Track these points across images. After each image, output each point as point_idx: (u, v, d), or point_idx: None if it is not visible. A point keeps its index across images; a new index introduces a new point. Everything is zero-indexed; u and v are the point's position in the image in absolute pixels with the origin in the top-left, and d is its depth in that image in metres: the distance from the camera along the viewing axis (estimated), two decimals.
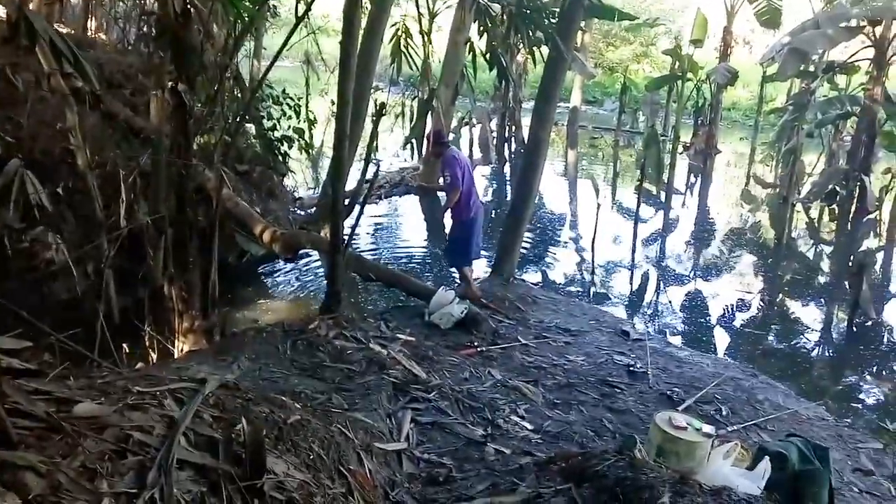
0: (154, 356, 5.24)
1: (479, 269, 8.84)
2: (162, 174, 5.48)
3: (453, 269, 7.92)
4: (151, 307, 5.43)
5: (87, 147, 5.47)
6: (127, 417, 2.11)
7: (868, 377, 7.73)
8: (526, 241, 10.01)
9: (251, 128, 9.40)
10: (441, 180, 7.39)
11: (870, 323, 8.79)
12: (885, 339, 8.67)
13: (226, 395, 2.66)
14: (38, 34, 3.39)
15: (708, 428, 3.64)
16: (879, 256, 12.14)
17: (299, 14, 6.28)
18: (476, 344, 6.04)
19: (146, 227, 5.43)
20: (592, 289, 9.69)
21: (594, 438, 4.50)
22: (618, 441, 4.14)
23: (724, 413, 5.13)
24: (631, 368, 5.86)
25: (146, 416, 2.17)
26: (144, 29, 8.32)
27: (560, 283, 9.88)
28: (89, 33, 10.36)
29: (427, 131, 7.41)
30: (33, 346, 2.48)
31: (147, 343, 5.24)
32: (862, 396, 7.28)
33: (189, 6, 4.64)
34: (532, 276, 9.75)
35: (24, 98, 6.31)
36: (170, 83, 4.87)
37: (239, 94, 8.67)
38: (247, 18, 6.11)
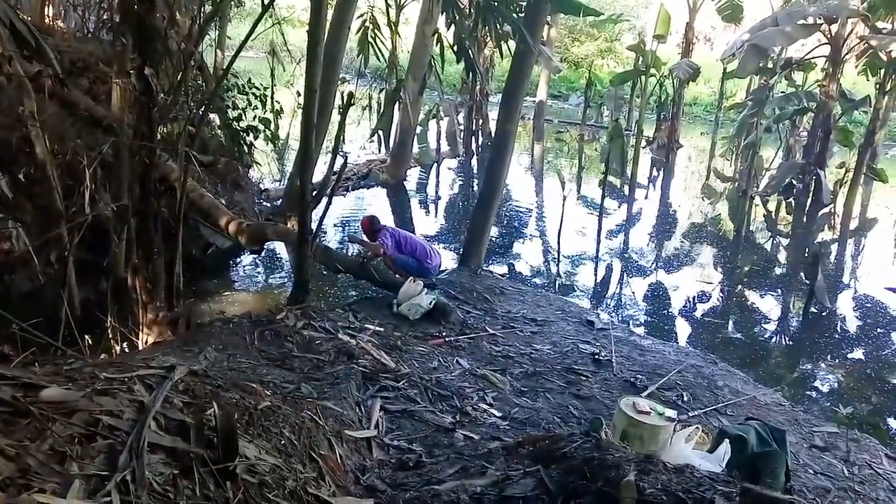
0: (118, 348, 5.16)
1: (448, 260, 8.89)
2: (125, 163, 5.38)
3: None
4: (115, 298, 5.33)
5: (47, 136, 5.35)
6: (96, 402, 2.10)
7: (822, 364, 7.99)
8: (493, 234, 10.07)
9: (216, 118, 9.26)
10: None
11: (824, 312, 9.07)
12: (839, 328, 8.96)
13: (195, 382, 2.65)
14: None
15: (670, 412, 3.75)
16: (834, 248, 12.53)
17: (264, 4, 6.21)
18: (444, 334, 6.09)
19: (109, 217, 5.33)
20: (558, 280, 9.81)
21: (561, 424, 4.58)
22: (585, 424, 4.23)
23: (685, 399, 5.26)
24: (596, 357, 5.96)
25: (115, 401, 2.15)
26: (105, 16, 8.12)
27: (527, 275, 9.98)
28: (46, 21, 10.07)
29: (364, 219, 7.74)
30: None
31: (110, 335, 5.15)
32: (816, 383, 7.53)
33: None
34: (499, 268, 9.82)
35: None
36: (133, 69, 4.78)
37: (203, 84, 8.54)
38: (212, 4, 6.01)
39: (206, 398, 2.49)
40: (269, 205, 11.01)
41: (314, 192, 6.30)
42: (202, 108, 6.57)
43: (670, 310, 9.26)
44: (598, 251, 11.39)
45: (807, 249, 11.44)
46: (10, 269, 5.79)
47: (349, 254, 8.16)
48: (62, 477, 1.75)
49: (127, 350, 5.12)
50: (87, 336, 4.75)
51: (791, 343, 8.62)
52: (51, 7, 10.46)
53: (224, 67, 7.65)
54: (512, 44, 8.20)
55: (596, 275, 10.52)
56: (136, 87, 4.89)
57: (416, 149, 15.36)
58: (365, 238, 7.40)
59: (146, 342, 5.28)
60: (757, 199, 14.85)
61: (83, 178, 5.24)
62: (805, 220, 14.01)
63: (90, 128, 7.22)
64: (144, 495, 1.83)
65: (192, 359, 4.21)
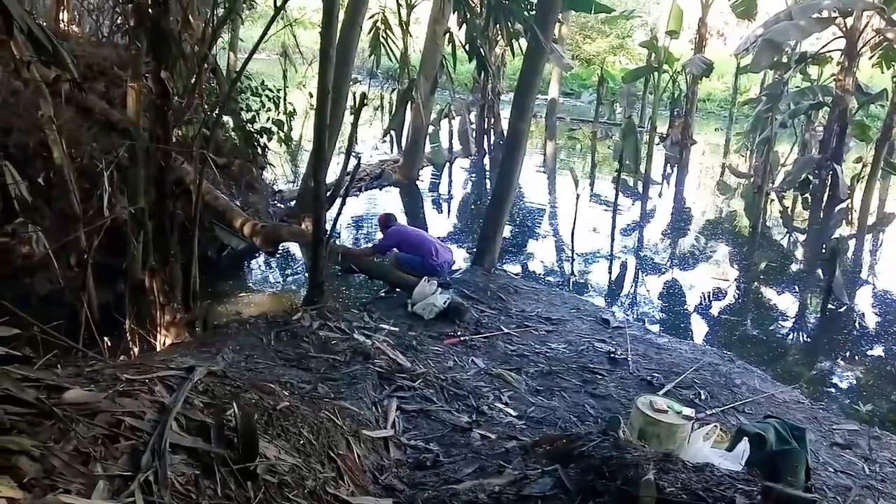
0: (136, 349, 5.20)
1: (461, 259, 8.90)
2: (140, 167, 5.42)
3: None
4: (133, 300, 5.38)
5: (64, 140, 5.41)
6: (118, 403, 2.12)
7: (841, 361, 7.91)
8: (506, 232, 10.06)
9: (229, 120, 9.31)
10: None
11: (842, 308, 8.98)
12: (857, 324, 8.87)
13: (215, 383, 2.66)
14: (14, 23, 3.34)
15: (688, 411, 3.73)
16: (851, 243, 12.38)
17: (276, 5, 6.23)
18: (459, 333, 6.09)
19: (126, 220, 5.38)
20: (572, 278, 9.79)
21: (577, 423, 4.57)
22: (601, 423, 4.21)
23: (702, 397, 5.23)
24: (611, 355, 5.94)
25: (137, 402, 2.18)
26: (119, 20, 8.19)
27: (541, 273, 9.96)
28: (62, 25, 10.18)
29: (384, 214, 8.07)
30: (18, 336, 2.47)
31: (129, 336, 5.20)
32: (836, 380, 7.45)
33: None
34: (513, 267, 9.81)
35: None
36: (149, 72, 4.82)
37: (217, 86, 8.59)
38: (225, 7, 6.05)
39: (226, 399, 2.51)
40: (283, 206, 11.07)
41: (328, 193, 6.32)
42: (216, 111, 6.61)
43: (686, 307, 9.21)
44: (612, 249, 11.35)
45: (824, 245, 11.33)
46: (31, 272, 5.86)
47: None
48: (86, 477, 1.77)
49: (145, 352, 5.17)
50: (105, 338, 4.80)
51: (809, 340, 8.54)
52: (66, 12, 10.58)
53: (237, 70, 7.70)
54: (523, 42, 8.18)
55: (610, 273, 10.48)
56: (151, 90, 4.93)
57: (428, 148, 15.38)
58: (364, 247, 7.56)
59: (164, 343, 5.32)
60: (773, 195, 14.73)
61: (100, 182, 5.30)
62: (822, 215, 13.87)
63: (106, 131, 7.30)
64: (167, 495, 1.85)
65: (210, 360, 4.24)
